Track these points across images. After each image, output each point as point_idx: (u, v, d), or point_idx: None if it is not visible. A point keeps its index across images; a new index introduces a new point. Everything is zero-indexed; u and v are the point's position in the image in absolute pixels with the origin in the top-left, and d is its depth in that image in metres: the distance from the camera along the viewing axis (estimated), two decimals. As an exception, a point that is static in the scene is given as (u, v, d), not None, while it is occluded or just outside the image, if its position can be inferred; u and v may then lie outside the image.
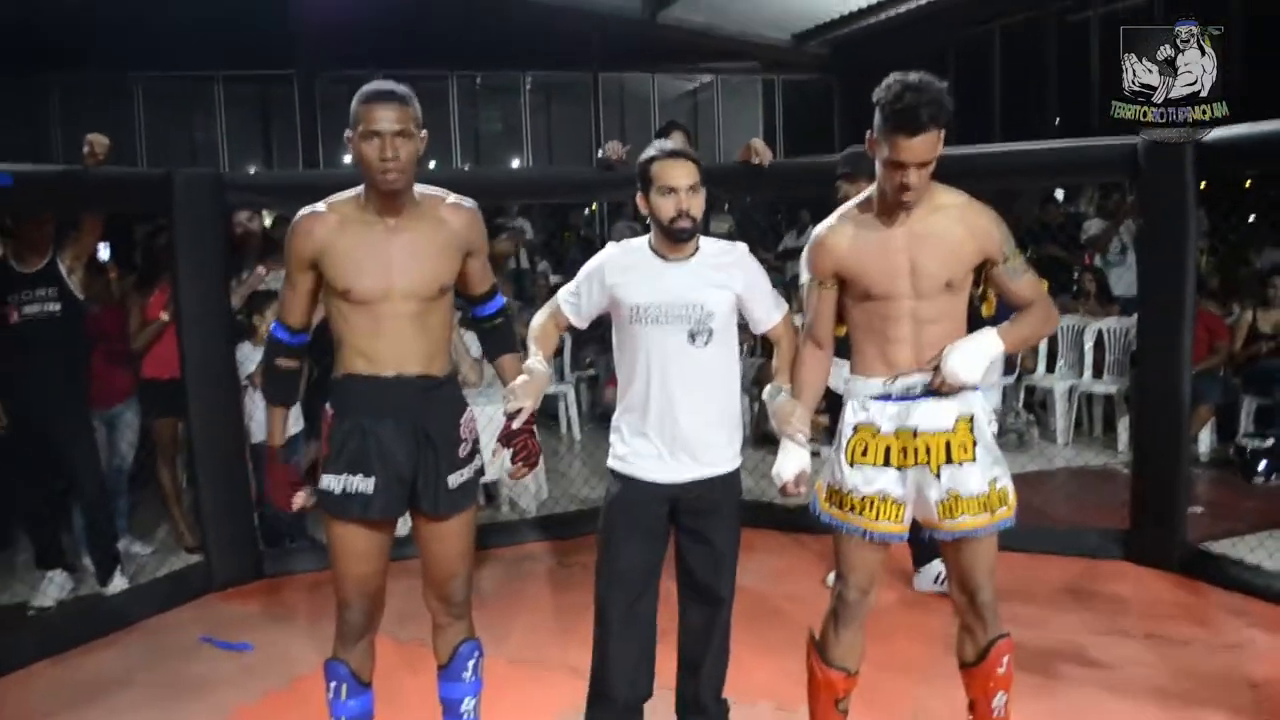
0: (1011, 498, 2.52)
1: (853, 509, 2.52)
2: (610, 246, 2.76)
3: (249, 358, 4.63)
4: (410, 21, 11.53)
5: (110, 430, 4.80)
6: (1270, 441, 5.83)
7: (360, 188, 2.48)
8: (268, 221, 5.83)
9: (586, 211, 12.04)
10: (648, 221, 2.67)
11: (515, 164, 13.92)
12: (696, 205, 2.60)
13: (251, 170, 12.64)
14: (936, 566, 3.88)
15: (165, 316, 4.72)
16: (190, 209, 4.35)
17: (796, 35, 13.00)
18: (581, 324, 2.81)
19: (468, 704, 2.69)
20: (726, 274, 2.67)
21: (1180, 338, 4.17)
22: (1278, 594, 3.94)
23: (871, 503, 2.51)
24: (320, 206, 2.49)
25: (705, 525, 2.69)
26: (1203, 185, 4.55)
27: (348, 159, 13.14)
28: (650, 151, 2.66)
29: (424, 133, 2.45)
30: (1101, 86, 10.43)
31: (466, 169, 12.97)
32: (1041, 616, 3.71)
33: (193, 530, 4.94)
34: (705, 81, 14.53)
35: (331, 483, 2.47)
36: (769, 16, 12.40)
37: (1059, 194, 8.89)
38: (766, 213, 11.29)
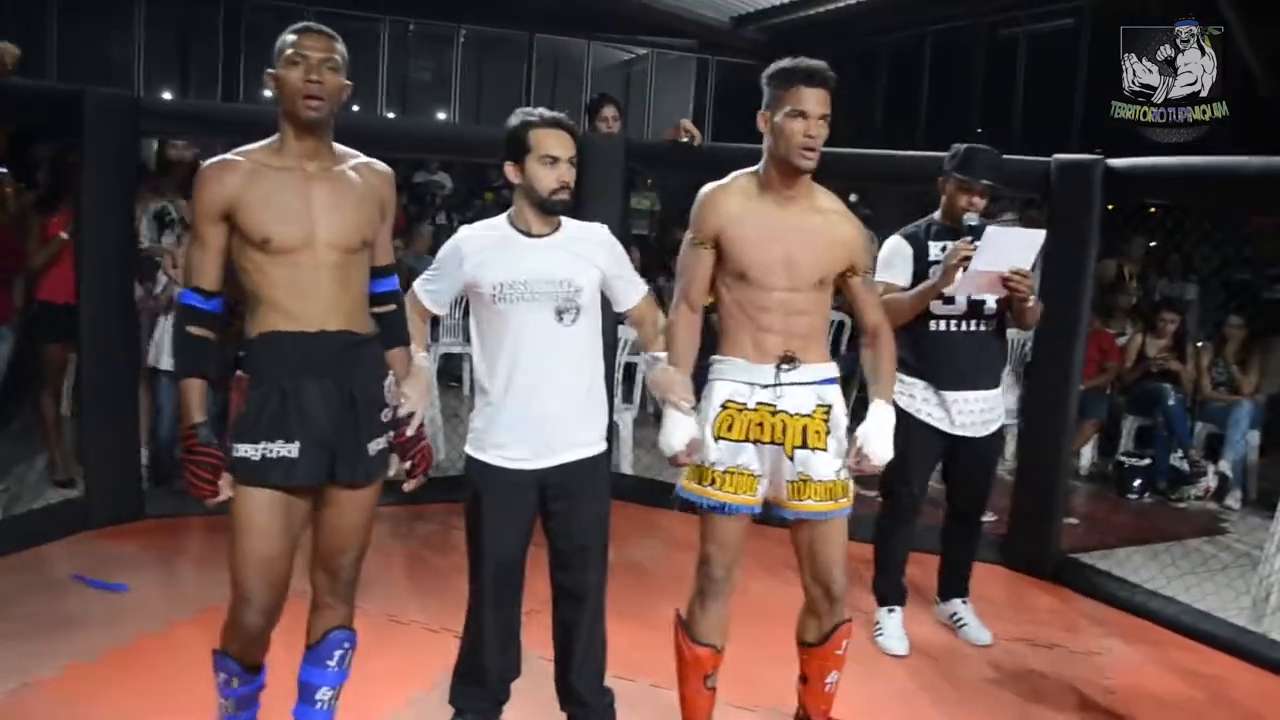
0: (851, 490, 2.66)
1: (713, 483, 2.61)
2: (464, 228, 2.66)
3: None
4: (346, -41, 11.26)
5: None
6: (1147, 461, 6.09)
7: (274, 137, 2.33)
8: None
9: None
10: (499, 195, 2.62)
11: (441, 116, 13.71)
12: (573, 178, 2.54)
13: (166, 95, 12.21)
14: (955, 605, 3.87)
15: (65, 235, 4.56)
16: (101, 131, 4.18)
17: (735, 18, 13.04)
18: (441, 311, 2.73)
19: (324, 693, 2.49)
20: (591, 251, 2.62)
21: (1072, 354, 4.32)
22: (1139, 606, 4.13)
23: (731, 476, 2.60)
24: (230, 155, 2.30)
25: (571, 513, 2.64)
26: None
27: (268, 93, 12.83)
28: (527, 117, 2.54)
29: (349, 82, 2.33)
30: (1025, 102, 10.70)
31: (391, 117, 12.73)
32: (911, 612, 3.82)
33: (68, 464, 4.80)
34: (641, 54, 14.51)
35: (249, 451, 2.25)
36: (710, -4, 12.43)
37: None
38: (691, 192, 11.36)
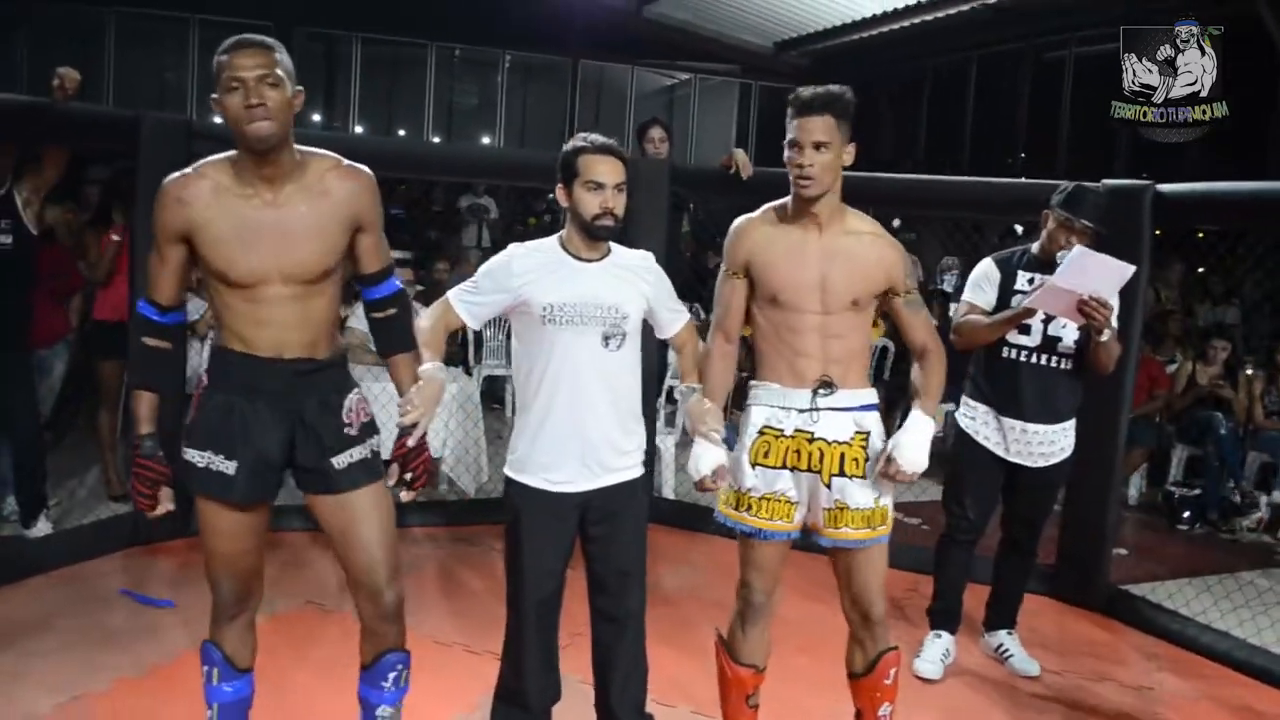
0: (890, 516, 2.63)
1: (749, 509, 2.61)
2: (515, 246, 2.65)
3: (197, 309, 4.63)
4: (394, -14, 11.44)
5: (37, 373, 4.68)
6: (1197, 491, 5.98)
7: (234, 151, 2.25)
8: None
9: (551, 196, 12.00)
10: (559, 216, 2.60)
11: (486, 141, 13.84)
12: (621, 204, 2.53)
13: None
14: (1001, 636, 3.83)
15: (116, 237, 4.71)
16: (157, 153, 4.26)
17: (778, 43, 13.07)
18: (475, 325, 2.69)
19: (384, 711, 2.52)
20: (639, 278, 2.63)
21: (1122, 382, 4.26)
22: (1191, 640, 4.05)
23: (767, 503, 2.59)
24: (190, 170, 2.25)
25: (610, 536, 2.63)
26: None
27: (316, 117, 13.07)
28: (578, 142, 2.55)
29: (300, 89, 2.25)
30: (1071, 126, 10.61)
31: (437, 142, 12.89)
32: (960, 642, 3.77)
33: (122, 479, 4.88)
34: (684, 79, 14.57)
35: (194, 456, 2.30)
36: (752, 22, 12.47)
37: (1018, 229, 9.05)
38: (728, 216, 11.35)
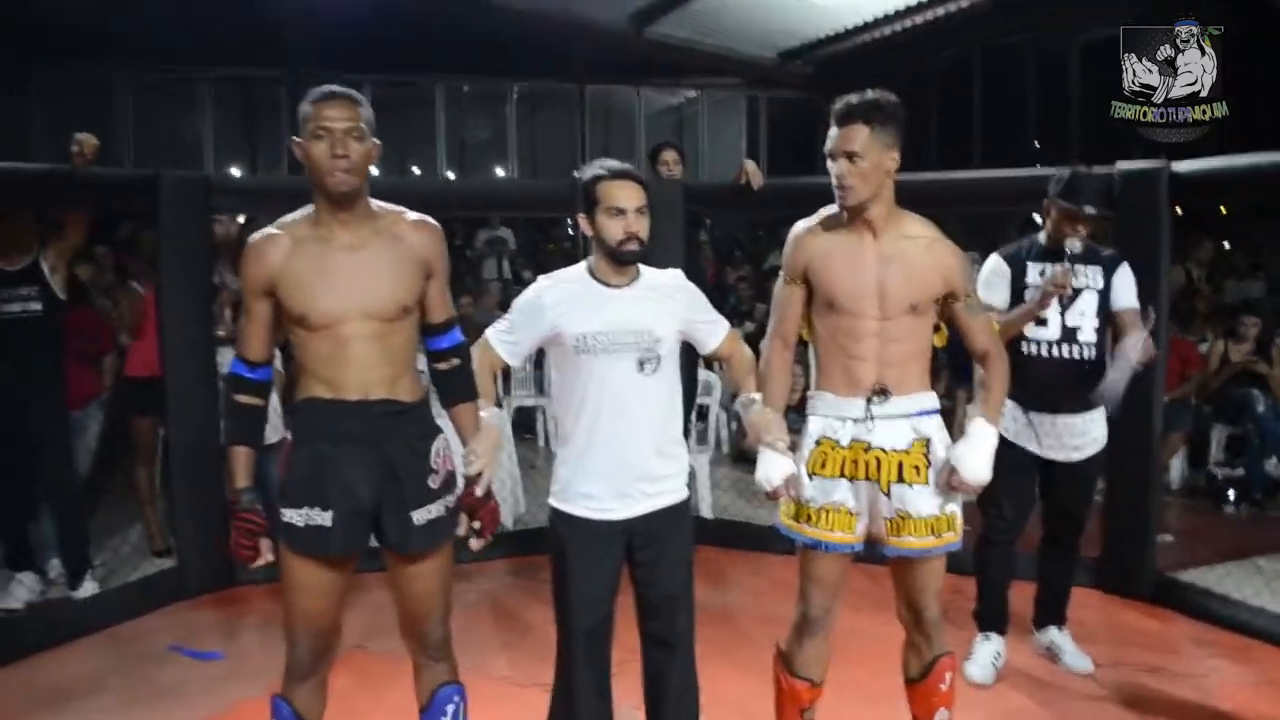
0: (959, 523, 2.59)
1: (809, 520, 2.59)
2: (543, 279, 2.66)
3: (228, 361, 4.70)
4: (400, 27, 11.55)
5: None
6: (1240, 470, 5.91)
7: (311, 207, 2.36)
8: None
9: (570, 220, 12.08)
10: (584, 244, 2.61)
11: (500, 173, 13.93)
12: (644, 227, 2.54)
13: (235, 172, 12.60)
14: (1051, 634, 3.78)
15: (137, 285, 4.78)
16: (176, 211, 4.34)
17: (782, 53, 13.07)
18: (517, 363, 2.71)
19: None
20: (671, 299, 2.63)
21: (1153, 366, 4.21)
22: (1244, 624, 3.99)
23: (826, 514, 2.57)
24: (273, 229, 2.35)
25: (657, 561, 2.62)
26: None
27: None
28: (596, 170, 2.57)
29: (377, 141, 2.34)
30: (1082, 112, 10.56)
31: (451, 178, 12.98)
32: (1011, 642, 3.73)
33: (163, 534, 4.92)
34: (691, 96, 14.62)
35: (293, 516, 2.32)
36: (754, 34, 12.47)
37: (1038, 218, 9.03)
38: (748, 230, 11.38)
